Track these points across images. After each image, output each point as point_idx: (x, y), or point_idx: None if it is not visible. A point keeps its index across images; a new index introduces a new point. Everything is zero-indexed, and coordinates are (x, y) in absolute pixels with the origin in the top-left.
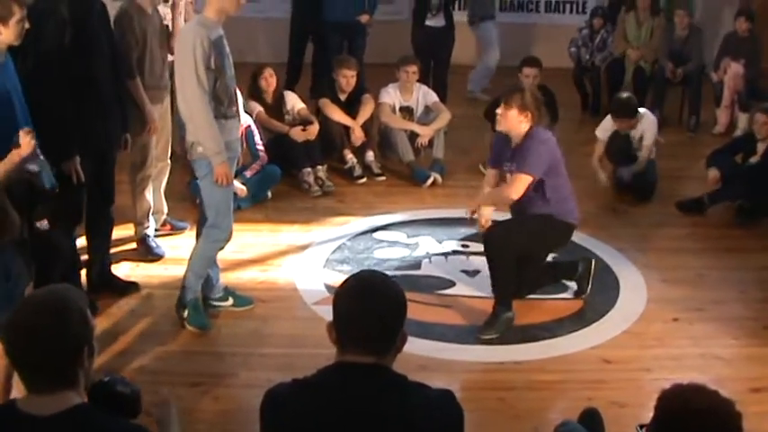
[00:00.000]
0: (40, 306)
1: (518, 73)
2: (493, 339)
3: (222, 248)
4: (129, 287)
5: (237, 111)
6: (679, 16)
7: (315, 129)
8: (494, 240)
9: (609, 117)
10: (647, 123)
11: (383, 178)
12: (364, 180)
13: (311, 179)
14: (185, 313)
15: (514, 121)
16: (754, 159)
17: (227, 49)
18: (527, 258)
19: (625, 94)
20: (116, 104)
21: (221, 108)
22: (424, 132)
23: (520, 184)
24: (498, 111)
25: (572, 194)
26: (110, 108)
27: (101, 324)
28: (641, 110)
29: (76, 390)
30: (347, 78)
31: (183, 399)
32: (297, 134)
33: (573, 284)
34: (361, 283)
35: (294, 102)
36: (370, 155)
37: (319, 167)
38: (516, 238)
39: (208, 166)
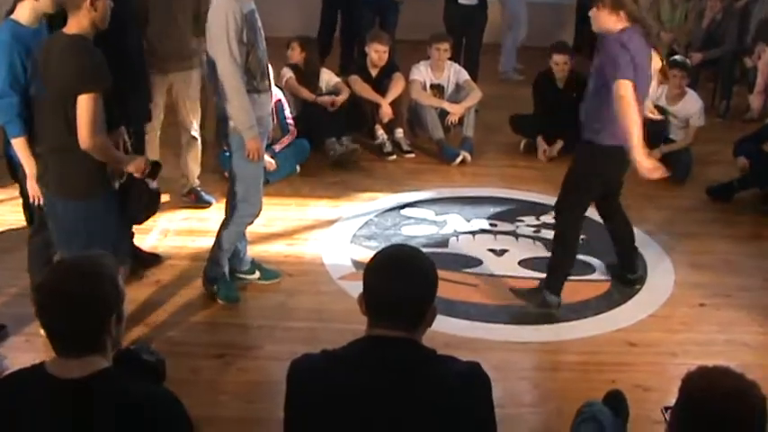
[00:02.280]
0: (73, 271)
1: (548, 59)
2: (523, 306)
3: (251, 223)
4: (151, 259)
5: (270, 85)
6: (711, 2)
7: (342, 98)
8: (560, 210)
9: (652, 90)
10: (694, 106)
11: (412, 155)
12: (394, 157)
13: (335, 145)
14: (215, 287)
15: (607, 22)
16: None
17: (260, 22)
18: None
19: None
20: (144, 78)
21: (253, 82)
22: (455, 110)
23: (624, 90)
24: (590, 13)
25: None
26: (139, 81)
27: (128, 295)
28: (690, 91)
29: (103, 355)
30: (379, 53)
31: (207, 369)
32: (325, 101)
33: (601, 264)
34: (393, 257)
35: (329, 77)
36: (399, 132)
37: (344, 138)
38: (577, 197)
39: (240, 140)
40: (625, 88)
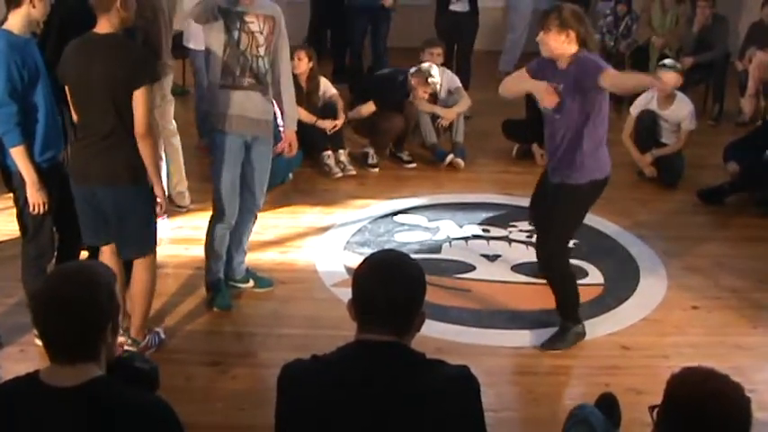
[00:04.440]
0: (70, 278)
1: None
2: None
3: (226, 229)
4: None
5: (256, 83)
6: (701, 7)
7: (341, 121)
8: (541, 255)
9: (644, 94)
10: (684, 109)
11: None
12: (377, 170)
13: (332, 162)
14: (209, 295)
15: (557, 44)
16: None
17: (255, 27)
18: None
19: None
20: None
21: (229, 78)
22: (447, 115)
23: (613, 75)
24: (537, 38)
25: (604, 143)
26: None
27: (122, 303)
28: (680, 94)
29: (98, 363)
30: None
31: (201, 377)
32: (324, 125)
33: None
34: (381, 262)
35: (326, 87)
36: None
37: (341, 151)
38: (556, 241)
39: (214, 141)
40: (613, 74)
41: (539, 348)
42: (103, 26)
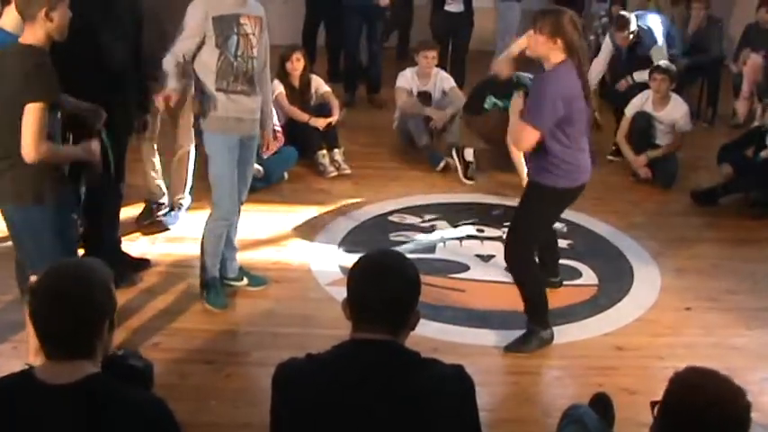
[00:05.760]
0: (68, 275)
1: None
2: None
3: (226, 227)
4: (141, 264)
5: (253, 89)
6: (696, 9)
7: (335, 118)
8: (508, 257)
9: (639, 95)
10: (679, 111)
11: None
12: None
13: (326, 161)
14: (204, 293)
15: (543, 48)
16: (765, 153)
17: (247, 29)
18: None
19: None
20: (134, 85)
21: (224, 83)
22: (438, 117)
23: (523, 136)
24: (528, 34)
25: (581, 152)
26: (125, 87)
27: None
28: (675, 96)
29: (93, 361)
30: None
31: (195, 375)
32: (317, 123)
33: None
34: (376, 261)
35: (318, 84)
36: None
37: (336, 150)
38: (523, 243)
39: (209, 140)
40: (527, 135)
41: (503, 350)
42: (26, 37)
